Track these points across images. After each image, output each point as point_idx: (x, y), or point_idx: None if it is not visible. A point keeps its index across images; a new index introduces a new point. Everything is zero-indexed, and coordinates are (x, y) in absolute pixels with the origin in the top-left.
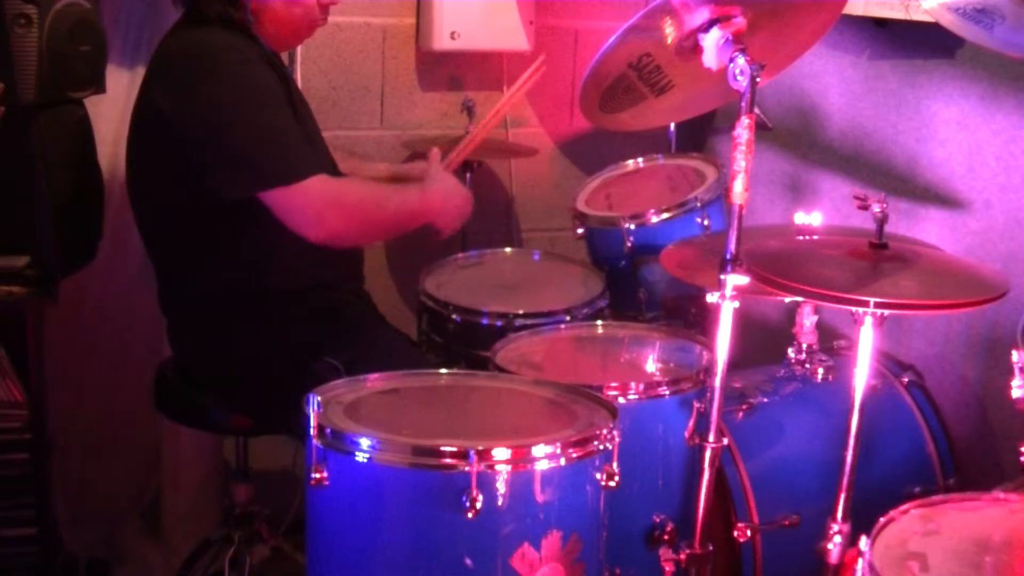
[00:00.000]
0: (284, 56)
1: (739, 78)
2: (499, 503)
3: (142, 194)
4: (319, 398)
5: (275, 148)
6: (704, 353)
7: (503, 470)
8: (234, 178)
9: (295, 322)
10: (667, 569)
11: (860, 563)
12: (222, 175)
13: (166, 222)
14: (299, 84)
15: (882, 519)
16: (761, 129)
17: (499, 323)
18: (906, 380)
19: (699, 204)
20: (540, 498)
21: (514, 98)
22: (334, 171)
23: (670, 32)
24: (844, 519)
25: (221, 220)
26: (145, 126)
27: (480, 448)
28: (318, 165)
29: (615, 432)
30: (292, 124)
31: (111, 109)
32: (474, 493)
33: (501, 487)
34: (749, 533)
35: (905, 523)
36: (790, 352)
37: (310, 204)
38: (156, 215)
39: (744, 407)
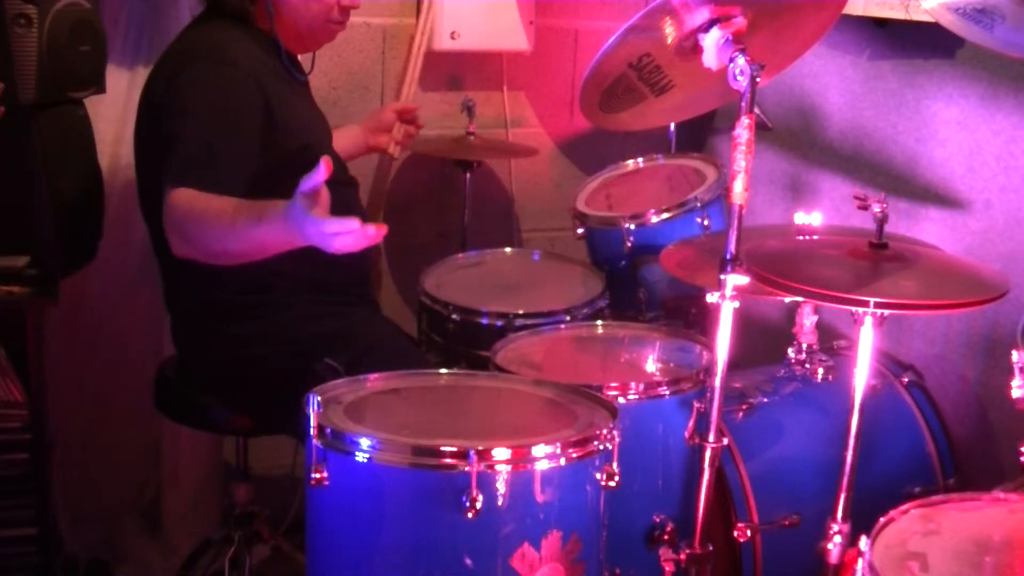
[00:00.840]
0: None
1: (739, 78)
2: (499, 503)
3: (147, 190)
4: (319, 398)
5: (190, 152)
6: (704, 353)
7: (503, 470)
8: (164, 167)
9: (297, 322)
10: (667, 569)
11: (860, 563)
12: (167, 161)
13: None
14: None
15: (882, 519)
16: (761, 129)
17: (499, 323)
18: (906, 380)
19: (699, 204)
20: (540, 498)
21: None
22: (344, 179)
23: (670, 32)
24: (844, 519)
25: None
26: (143, 116)
27: (480, 448)
28: (202, 181)
29: (615, 432)
30: (224, 139)
31: (111, 109)
32: (474, 493)
33: (501, 487)
34: (749, 533)
35: (905, 523)
36: (790, 352)
37: (167, 214)
38: (159, 211)
39: (744, 407)
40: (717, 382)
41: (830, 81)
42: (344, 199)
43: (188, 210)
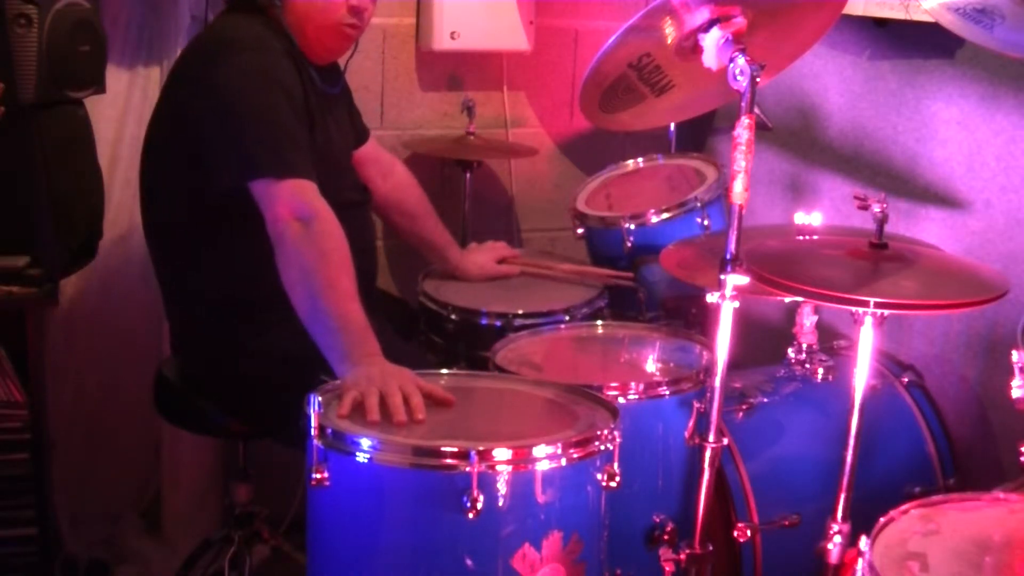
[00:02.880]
0: None
1: (739, 78)
2: (500, 503)
3: (151, 192)
4: (319, 398)
5: (271, 139)
6: (704, 353)
7: (504, 470)
8: (229, 164)
9: (294, 328)
10: (667, 569)
11: (860, 563)
12: (218, 161)
13: (172, 224)
14: None
15: (882, 519)
16: (761, 129)
17: (498, 323)
18: (906, 380)
19: (699, 204)
20: (541, 498)
21: None
22: (360, 199)
23: (670, 32)
24: (844, 519)
25: (223, 225)
26: (162, 112)
27: (481, 448)
28: (310, 171)
29: (616, 432)
30: (293, 122)
31: (111, 109)
32: (475, 493)
33: (502, 487)
34: (749, 533)
35: (905, 523)
36: (790, 352)
37: (289, 202)
38: (162, 215)
39: (744, 407)
40: (717, 382)
41: (830, 81)
42: (359, 221)
43: (319, 220)
